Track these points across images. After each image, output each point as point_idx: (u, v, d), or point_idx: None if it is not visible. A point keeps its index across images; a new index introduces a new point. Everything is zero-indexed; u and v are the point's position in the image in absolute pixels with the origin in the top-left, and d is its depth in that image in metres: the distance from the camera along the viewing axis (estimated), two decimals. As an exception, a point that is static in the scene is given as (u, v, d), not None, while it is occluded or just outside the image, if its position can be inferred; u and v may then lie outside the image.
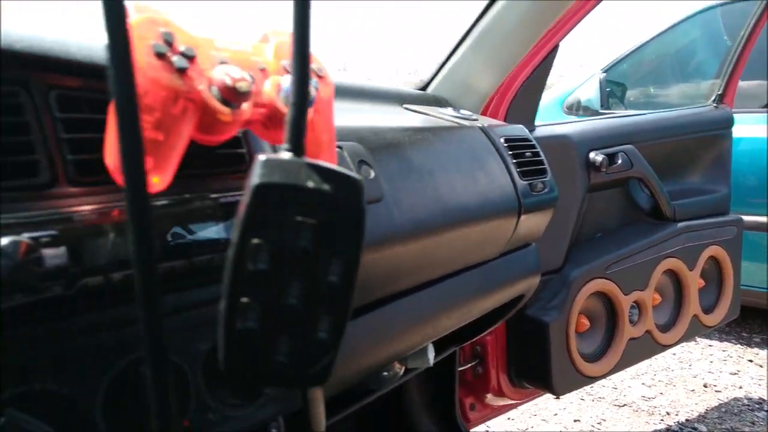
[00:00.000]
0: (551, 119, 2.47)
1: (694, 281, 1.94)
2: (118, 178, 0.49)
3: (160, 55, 0.47)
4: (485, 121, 1.27)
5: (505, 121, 1.48)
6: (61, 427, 0.51)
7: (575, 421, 2.31)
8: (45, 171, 0.51)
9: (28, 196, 0.50)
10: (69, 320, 0.51)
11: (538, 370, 1.72)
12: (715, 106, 2.11)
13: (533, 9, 1.24)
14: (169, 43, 0.48)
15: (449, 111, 1.27)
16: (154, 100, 0.47)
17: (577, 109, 3.06)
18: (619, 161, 1.81)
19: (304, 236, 0.43)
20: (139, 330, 0.56)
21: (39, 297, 0.48)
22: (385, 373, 1.25)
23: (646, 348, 1.89)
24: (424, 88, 1.41)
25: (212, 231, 0.60)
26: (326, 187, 0.43)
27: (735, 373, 2.62)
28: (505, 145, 1.19)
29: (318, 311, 0.44)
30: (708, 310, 2.02)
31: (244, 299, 0.42)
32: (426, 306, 1.02)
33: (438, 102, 1.35)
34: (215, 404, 0.60)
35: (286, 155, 0.43)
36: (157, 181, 0.50)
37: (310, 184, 0.42)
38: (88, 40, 0.56)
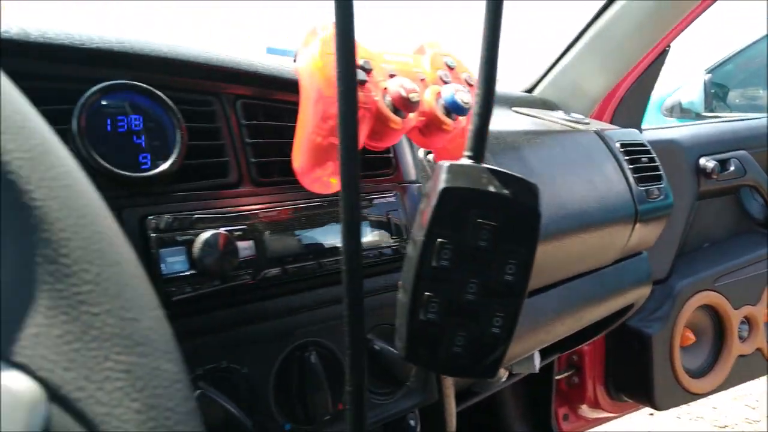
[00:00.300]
0: (649, 122, 2.39)
1: (813, 297, 1.82)
2: (304, 180, 0.54)
3: (345, 68, 0.52)
4: (598, 125, 1.26)
5: (611, 124, 1.46)
6: (240, 401, 0.57)
7: (673, 439, 2.23)
8: (233, 172, 0.58)
9: (219, 194, 0.56)
10: (252, 306, 0.57)
11: (639, 383, 1.67)
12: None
13: (654, 11, 1.22)
14: (351, 57, 0.53)
15: (560, 114, 1.27)
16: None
17: (677, 111, 2.94)
18: (732, 168, 1.73)
19: (483, 237, 0.46)
20: (303, 318, 0.61)
21: (232, 284, 0.54)
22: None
23: (756, 367, 1.79)
24: (530, 90, 1.42)
25: (367, 230, 0.65)
26: (506, 191, 0.45)
27: None
28: (621, 149, 1.18)
29: (493, 307, 0.47)
30: (827, 329, 1.89)
31: (427, 293, 0.46)
32: (542, 311, 1.03)
33: (546, 105, 1.36)
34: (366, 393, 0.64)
35: (467, 162, 0.46)
36: (335, 182, 0.54)
37: (492, 188, 0.45)
38: (269, 55, 0.62)
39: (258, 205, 0.58)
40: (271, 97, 0.62)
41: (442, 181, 0.44)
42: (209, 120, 0.57)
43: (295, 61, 0.57)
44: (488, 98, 0.45)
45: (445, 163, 0.45)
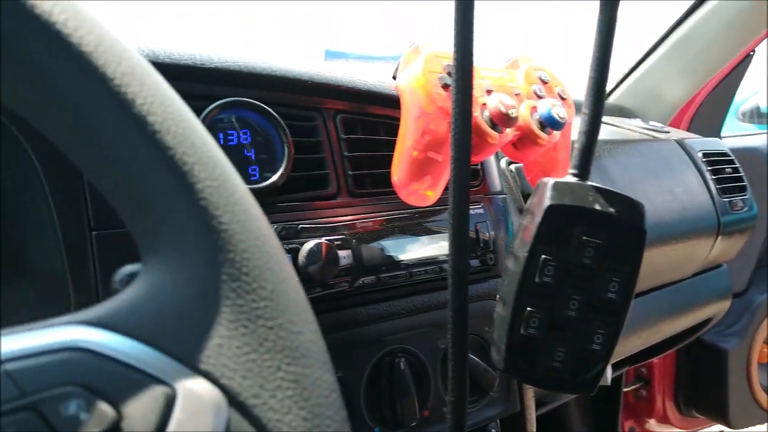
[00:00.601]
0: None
1: None
2: (401, 192, 0.56)
3: (446, 86, 0.54)
4: (678, 133, 1.23)
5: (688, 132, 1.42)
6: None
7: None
8: (332, 183, 0.60)
9: (320, 205, 0.59)
10: (347, 312, 0.59)
11: (712, 399, 1.61)
12: None
13: (744, 14, 1.18)
14: (452, 75, 0.54)
15: (638, 122, 1.25)
16: (438, 125, 0.54)
17: (755, 116, 2.80)
18: (818, 177, 1.65)
19: (588, 254, 0.46)
20: (393, 325, 0.63)
21: (331, 291, 0.57)
22: (559, 386, 1.25)
23: (839, 385, 1.70)
24: (605, 97, 1.40)
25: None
26: (612, 209, 0.46)
27: None
28: (704, 159, 1.15)
29: (594, 324, 0.48)
30: None
31: (529, 308, 0.47)
32: (618, 322, 1.02)
33: (623, 112, 1.34)
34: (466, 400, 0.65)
35: (572, 179, 0.46)
36: (431, 195, 0.56)
37: (598, 206, 0.46)
38: (364, 72, 0.64)
39: (354, 216, 0.60)
40: (368, 111, 0.64)
41: (547, 198, 0.45)
42: (312, 134, 0.60)
43: (394, 77, 0.59)
44: (596, 116, 0.45)
45: (551, 180, 0.46)
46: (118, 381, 0.23)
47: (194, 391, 0.24)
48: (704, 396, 1.64)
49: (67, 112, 0.25)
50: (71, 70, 0.25)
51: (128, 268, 0.48)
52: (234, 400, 0.25)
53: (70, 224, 0.46)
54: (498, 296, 0.49)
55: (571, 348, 0.47)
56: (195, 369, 0.25)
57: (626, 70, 1.40)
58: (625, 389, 1.67)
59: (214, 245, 0.26)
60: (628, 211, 0.46)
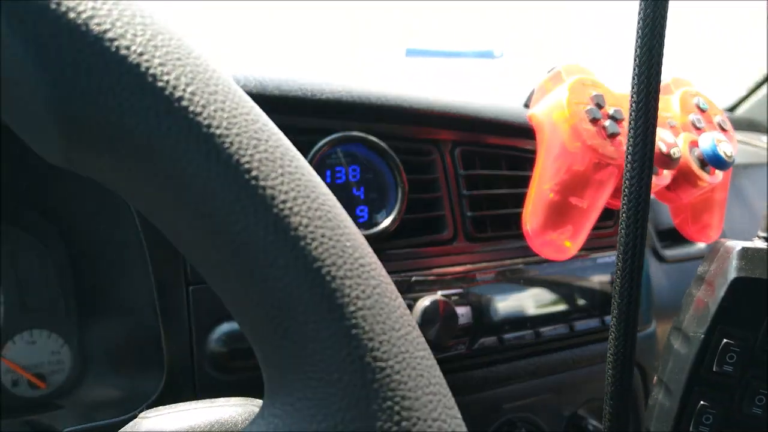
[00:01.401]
0: None
1: None
2: (534, 242, 0.48)
3: (595, 121, 0.45)
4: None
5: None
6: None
7: None
8: (449, 226, 0.53)
9: (434, 251, 0.52)
10: (460, 375, 0.52)
11: None
12: None
13: None
14: (600, 106, 0.46)
15: (770, 141, 1.10)
16: (586, 167, 0.45)
17: None
18: None
19: (782, 339, 0.37)
20: (512, 390, 0.55)
21: (446, 355, 0.50)
22: None
23: None
24: (732, 108, 1.25)
25: (587, 292, 0.57)
26: (817, 285, 0.36)
27: None
28: None
29: (787, 426, 0.38)
30: None
31: (702, 402, 0.38)
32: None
33: (753, 126, 1.18)
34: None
35: (764, 245, 0.37)
36: (570, 246, 0.48)
37: (802, 282, 0.36)
38: (485, 98, 0.56)
39: (473, 265, 0.52)
40: (487, 142, 0.56)
41: (733, 269, 0.36)
42: (428, 171, 0.53)
43: (527, 106, 0.51)
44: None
45: (737, 245, 0.37)
46: None
47: None
48: None
49: (192, 207, 0.19)
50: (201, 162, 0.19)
51: (226, 327, 0.43)
52: None
53: (167, 278, 0.42)
54: (656, 378, 0.41)
55: (751, 455, 0.38)
56: None
57: (757, 81, 1.24)
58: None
59: (367, 388, 0.19)
60: (839, 288, 0.36)
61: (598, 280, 0.58)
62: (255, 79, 0.45)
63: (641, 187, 0.34)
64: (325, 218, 0.20)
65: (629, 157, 0.33)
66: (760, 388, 0.38)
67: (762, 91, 1.23)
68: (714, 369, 0.38)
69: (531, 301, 0.54)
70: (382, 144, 0.50)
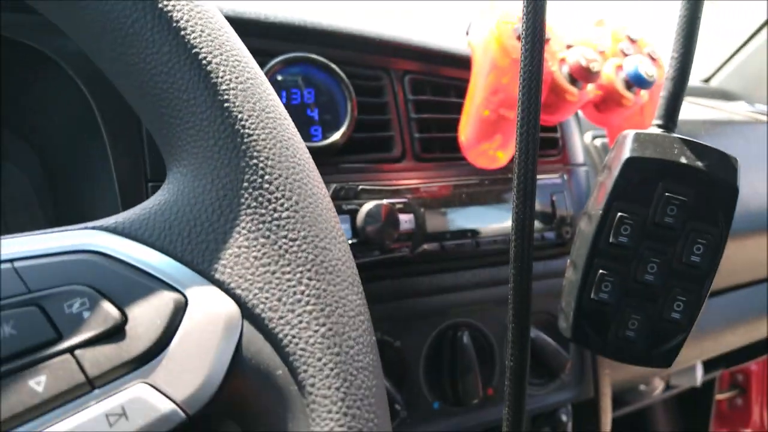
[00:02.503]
0: None
1: None
2: (469, 153, 0.53)
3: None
4: (789, 116, 1.11)
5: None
6: (390, 375, 0.57)
7: None
8: (397, 146, 0.58)
9: (383, 167, 0.57)
10: (408, 281, 0.57)
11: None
12: None
13: None
14: (526, 26, 0.51)
15: (742, 105, 1.14)
16: (511, 80, 0.50)
17: None
18: None
19: (670, 213, 0.42)
20: (457, 297, 0.60)
21: (391, 256, 0.55)
22: (643, 387, 1.17)
23: None
24: (707, 80, 1.29)
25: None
26: (701, 163, 0.41)
27: None
28: (818, 144, 1.03)
29: (674, 290, 0.43)
30: None
31: (601, 271, 0.43)
32: (711, 317, 0.93)
33: (726, 96, 1.23)
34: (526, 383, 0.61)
35: (657, 130, 0.42)
36: (502, 156, 0.53)
37: (684, 160, 0.41)
38: (429, 33, 0.62)
39: (419, 180, 0.58)
40: (438, 72, 0.61)
41: (627, 150, 0.41)
42: (378, 94, 0.58)
43: (467, 33, 0.56)
44: (686, 59, 0.40)
45: (632, 132, 0.42)
46: (126, 284, 0.22)
47: (206, 299, 0.23)
48: None
49: (86, 11, 0.24)
50: None
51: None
52: (249, 313, 0.24)
53: (128, 174, 0.47)
54: (569, 260, 0.46)
55: (647, 316, 0.42)
56: (209, 278, 0.24)
57: (730, 52, 1.28)
58: (718, 396, 1.55)
59: (237, 150, 0.24)
60: (719, 165, 0.41)
61: (539, 200, 0.63)
62: (210, 3, 0.51)
63: (532, 88, 0.38)
64: (206, 16, 0.25)
65: (521, 70, 0.38)
66: (652, 257, 0.42)
67: (732, 64, 1.28)
68: (611, 241, 0.42)
69: (473, 215, 0.59)
70: (333, 66, 0.55)
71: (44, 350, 0.21)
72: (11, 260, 0.21)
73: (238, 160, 0.24)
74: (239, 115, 0.24)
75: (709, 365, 1.18)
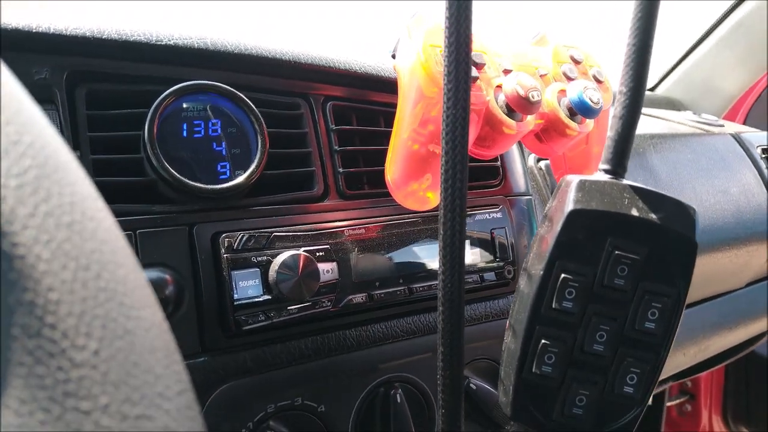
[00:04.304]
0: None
1: None
2: (397, 194, 0.47)
3: (450, 64, 0.44)
4: (733, 127, 1.10)
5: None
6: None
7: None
8: (319, 183, 0.51)
9: (302, 208, 0.50)
10: (331, 336, 0.50)
11: (764, 416, 1.49)
12: None
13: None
14: (456, 50, 0.45)
15: (688, 115, 1.12)
16: (440, 111, 0.44)
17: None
18: None
19: (621, 274, 0.37)
20: (388, 349, 0.54)
21: (311, 312, 0.48)
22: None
23: None
24: (652, 88, 1.27)
25: (468, 249, 0.56)
26: (654, 216, 0.36)
27: None
28: (763, 155, 1.02)
29: (627, 361, 0.38)
30: None
31: (544, 341, 0.38)
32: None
33: (672, 104, 1.21)
34: None
35: (604, 176, 0.37)
36: (432, 198, 0.47)
37: (635, 212, 0.36)
38: (357, 53, 0.55)
39: (344, 221, 0.51)
40: (365, 98, 0.54)
41: (570, 201, 0.36)
42: (296, 125, 0.51)
43: (393, 56, 0.50)
44: (636, 97, 0.35)
45: (575, 178, 0.36)
46: None
47: None
48: (755, 412, 1.53)
49: None
50: None
51: None
52: None
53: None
54: (508, 323, 0.40)
55: (596, 391, 0.37)
56: None
57: (676, 60, 1.27)
58: (669, 404, 1.56)
59: (2, 280, 0.16)
60: (676, 217, 0.36)
61: (477, 236, 0.57)
62: (93, 24, 0.43)
63: (457, 126, 0.32)
64: None
65: (445, 102, 0.32)
66: (600, 325, 0.37)
67: (678, 72, 1.26)
68: (553, 306, 0.37)
69: (404, 257, 0.53)
70: (239, 94, 0.47)
71: None
72: None
73: (5, 295, 0.16)
74: (7, 227, 0.16)
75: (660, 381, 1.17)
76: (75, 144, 0.42)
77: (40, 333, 0.16)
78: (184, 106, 0.48)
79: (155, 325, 0.19)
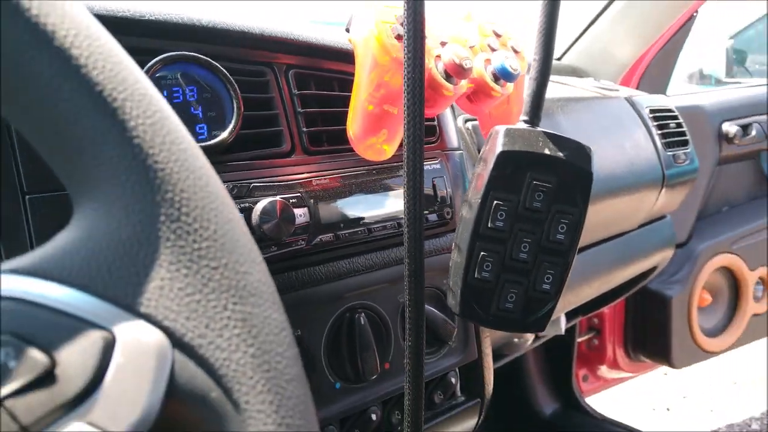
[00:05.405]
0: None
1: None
2: (358, 147, 0.56)
3: (399, 37, 0.53)
4: (627, 91, 1.26)
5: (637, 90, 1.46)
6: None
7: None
8: (286, 141, 0.59)
9: (273, 163, 0.58)
10: (304, 271, 0.59)
11: (657, 343, 1.70)
12: None
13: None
14: (404, 25, 0.54)
15: (590, 81, 1.27)
16: (392, 77, 0.53)
17: (698, 78, 2.90)
18: (753, 132, 1.72)
19: (538, 198, 0.48)
20: (351, 282, 0.64)
21: (287, 249, 0.57)
22: (516, 340, 1.29)
23: (769, 325, 1.83)
24: (558, 58, 1.42)
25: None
26: (561, 154, 0.47)
27: None
28: (650, 115, 1.18)
29: (544, 265, 0.49)
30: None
31: (482, 253, 0.48)
32: (570, 275, 1.05)
33: (576, 72, 1.36)
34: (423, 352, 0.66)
35: (524, 125, 0.47)
36: (388, 149, 0.56)
37: (547, 151, 0.47)
38: (317, 26, 0.63)
39: (310, 173, 0.59)
40: (322, 66, 0.63)
41: (499, 145, 0.46)
42: (263, 90, 0.59)
43: (347, 30, 0.58)
44: (546, 63, 0.46)
45: (502, 127, 0.47)
46: (50, 328, 0.22)
47: (134, 334, 0.24)
48: (650, 341, 1.72)
49: None
50: None
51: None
52: (178, 342, 0.25)
53: (1, 189, 0.44)
54: (454, 243, 0.50)
55: (522, 289, 0.48)
56: (134, 312, 0.24)
57: (579, 32, 1.42)
58: (578, 339, 1.75)
59: (151, 185, 0.25)
60: (577, 154, 0.47)
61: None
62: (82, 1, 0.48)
63: (416, 87, 0.42)
64: (106, 51, 0.25)
65: (407, 63, 0.41)
66: (524, 238, 0.48)
67: (581, 43, 1.41)
68: (489, 226, 0.47)
69: (363, 203, 0.62)
70: (216, 63, 0.55)
71: None
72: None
73: (153, 194, 0.25)
74: (150, 151, 0.25)
75: (570, 314, 1.33)
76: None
77: (179, 218, 0.25)
78: (160, 75, 0.54)
79: (241, 218, 0.28)
